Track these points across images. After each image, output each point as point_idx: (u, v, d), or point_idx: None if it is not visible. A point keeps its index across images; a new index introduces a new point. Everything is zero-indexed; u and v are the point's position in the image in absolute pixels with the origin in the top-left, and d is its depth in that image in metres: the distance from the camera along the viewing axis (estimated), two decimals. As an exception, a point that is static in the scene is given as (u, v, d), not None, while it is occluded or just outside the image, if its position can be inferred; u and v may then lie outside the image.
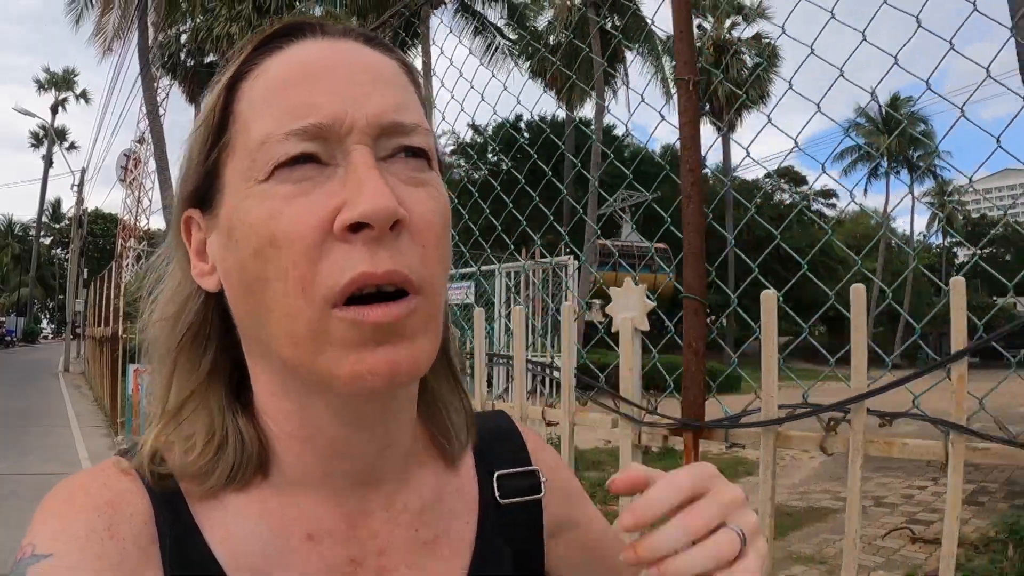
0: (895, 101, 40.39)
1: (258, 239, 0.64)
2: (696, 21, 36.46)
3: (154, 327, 0.77)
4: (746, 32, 37.93)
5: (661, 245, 19.90)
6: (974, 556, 6.96)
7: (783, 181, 45.60)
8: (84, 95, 66.63)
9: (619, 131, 30.90)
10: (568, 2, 25.75)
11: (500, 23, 27.26)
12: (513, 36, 27.56)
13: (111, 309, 16.77)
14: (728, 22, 36.68)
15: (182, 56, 37.46)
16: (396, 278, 0.64)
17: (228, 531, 0.70)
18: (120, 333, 14.87)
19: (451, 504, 0.82)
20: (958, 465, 1.64)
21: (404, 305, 0.64)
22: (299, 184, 0.64)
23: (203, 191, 0.71)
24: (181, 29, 35.34)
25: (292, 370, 0.68)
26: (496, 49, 26.86)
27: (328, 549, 0.73)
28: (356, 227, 0.62)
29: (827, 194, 51.72)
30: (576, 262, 10.49)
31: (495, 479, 0.86)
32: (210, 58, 35.82)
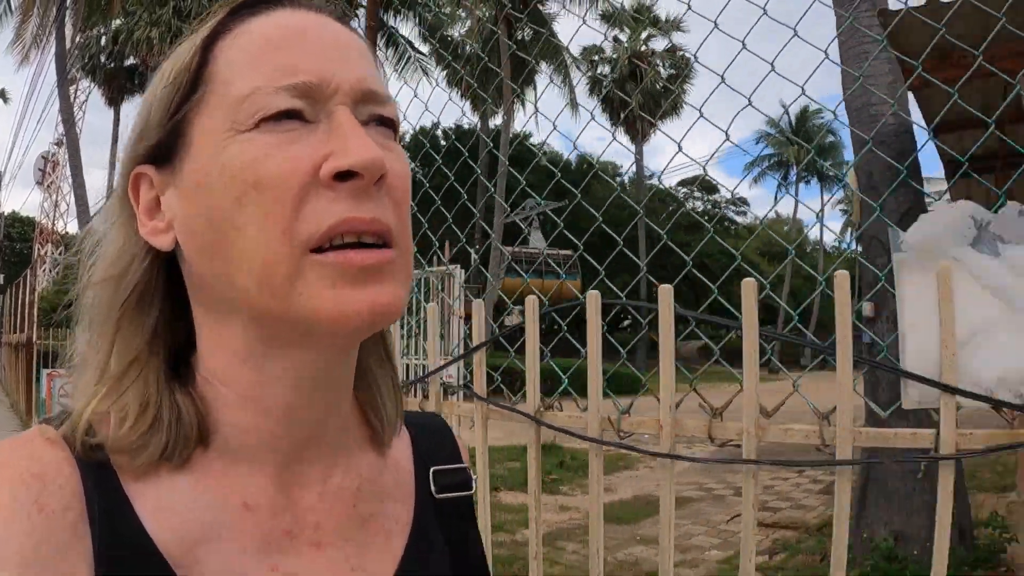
0: (804, 113, 41.79)
1: (241, 184, 0.64)
2: (613, 32, 37.52)
3: (95, 289, 0.74)
4: (661, 44, 38.77)
5: (567, 252, 20.41)
6: (806, 538, 7.67)
7: (695, 189, 46.96)
8: (3, 95, 65.30)
9: (535, 140, 31.43)
10: (483, 14, 26.30)
11: (411, 36, 27.76)
12: (425, 49, 28.15)
13: (27, 315, 16.70)
14: (644, 34, 37.67)
15: (102, 58, 37.17)
16: (379, 226, 0.66)
17: (161, 503, 0.68)
18: (35, 339, 14.98)
19: (389, 488, 0.83)
20: (480, 421, 2.27)
21: (385, 253, 0.66)
22: (285, 134, 0.65)
23: (164, 147, 0.70)
24: (101, 31, 35.04)
25: (262, 322, 0.68)
26: (408, 60, 27.41)
27: (264, 520, 0.72)
28: (343, 176, 0.64)
29: (738, 202, 53.47)
30: (463, 270, 11.04)
31: (431, 474, 0.88)
32: (130, 61, 35.70)
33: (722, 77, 2.58)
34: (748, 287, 1.72)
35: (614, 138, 3.00)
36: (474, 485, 0.93)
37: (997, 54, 2.28)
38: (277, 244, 0.63)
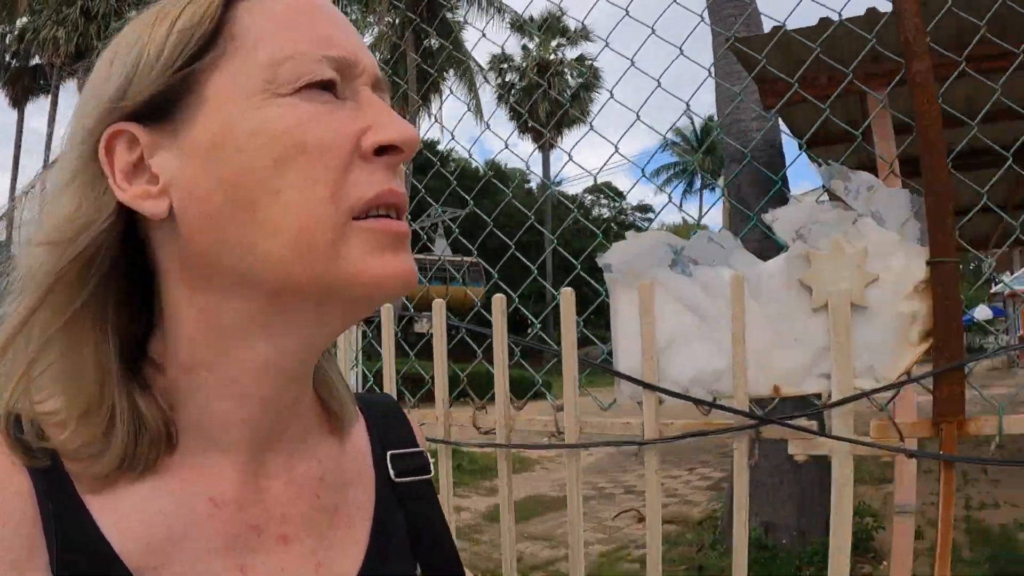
0: (709, 121, 42.75)
1: (282, 147, 0.63)
2: (522, 41, 38.02)
3: (32, 253, 0.66)
4: (571, 53, 39.41)
5: (472, 259, 20.53)
6: (687, 531, 8.12)
7: (601, 196, 47.73)
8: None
9: (441, 146, 31.68)
10: (392, 21, 26.46)
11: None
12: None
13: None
14: (553, 43, 38.25)
15: (7, 58, 36.30)
16: (404, 201, 0.68)
17: (120, 505, 0.64)
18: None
19: (349, 476, 0.82)
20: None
21: (406, 225, 0.68)
22: (324, 104, 0.65)
23: (162, 102, 0.65)
24: (6, 29, 34.25)
25: (284, 292, 0.65)
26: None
27: (231, 515, 0.69)
28: (381, 150, 0.66)
29: (643, 208, 54.55)
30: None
31: (389, 458, 0.87)
32: (36, 61, 34.94)
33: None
34: (497, 302, 2.07)
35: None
36: (432, 469, 0.93)
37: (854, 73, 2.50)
38: (323, 209, 0.63)
